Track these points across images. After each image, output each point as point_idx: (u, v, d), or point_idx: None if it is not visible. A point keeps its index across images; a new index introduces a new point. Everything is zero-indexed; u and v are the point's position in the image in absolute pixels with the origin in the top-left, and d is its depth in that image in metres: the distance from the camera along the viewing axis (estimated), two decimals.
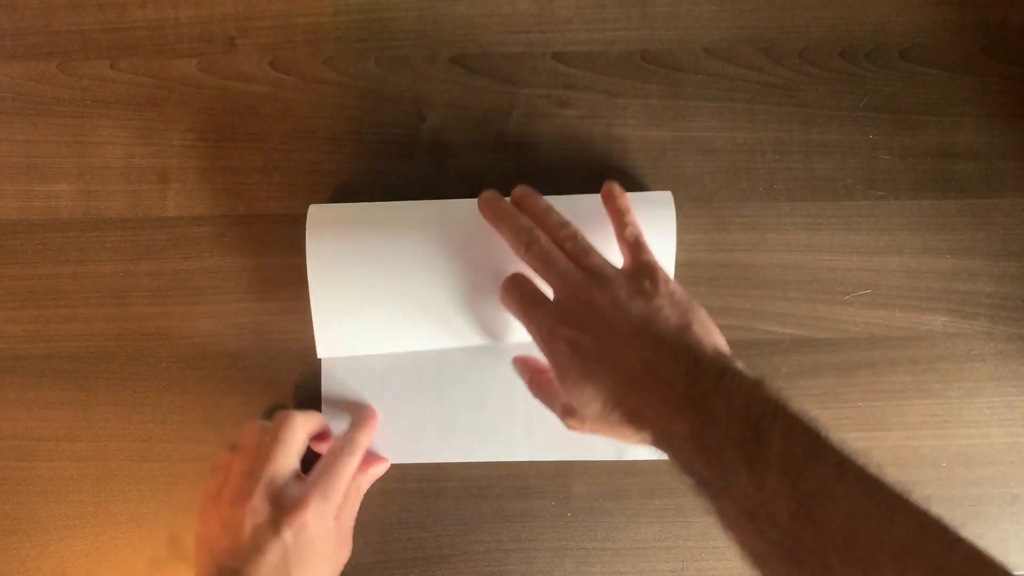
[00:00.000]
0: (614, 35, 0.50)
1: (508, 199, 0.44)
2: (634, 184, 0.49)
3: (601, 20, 0.50)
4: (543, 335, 0.40)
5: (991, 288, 0.49)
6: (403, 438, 0.48)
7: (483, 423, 0.48)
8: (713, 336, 0.38)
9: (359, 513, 0.47)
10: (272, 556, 0.39)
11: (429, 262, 0.45)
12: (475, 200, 0.45)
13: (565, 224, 0.42)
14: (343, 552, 0.45)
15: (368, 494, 0.48)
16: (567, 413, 0.41)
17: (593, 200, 0.45)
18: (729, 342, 0.43)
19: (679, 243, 0.48)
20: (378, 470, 0.47)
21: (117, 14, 0.49)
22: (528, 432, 0.48)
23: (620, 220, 0.44)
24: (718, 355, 0.36)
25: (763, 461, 0.31)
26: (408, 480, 0.48)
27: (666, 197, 0.47)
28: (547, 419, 0.44)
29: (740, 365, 0.36)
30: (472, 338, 0.46)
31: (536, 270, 0.42)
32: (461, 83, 0.49)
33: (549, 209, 0.43)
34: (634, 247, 0.42)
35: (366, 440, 0.45)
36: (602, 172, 0.49)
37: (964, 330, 0.49)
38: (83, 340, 0.48)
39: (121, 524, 0.48)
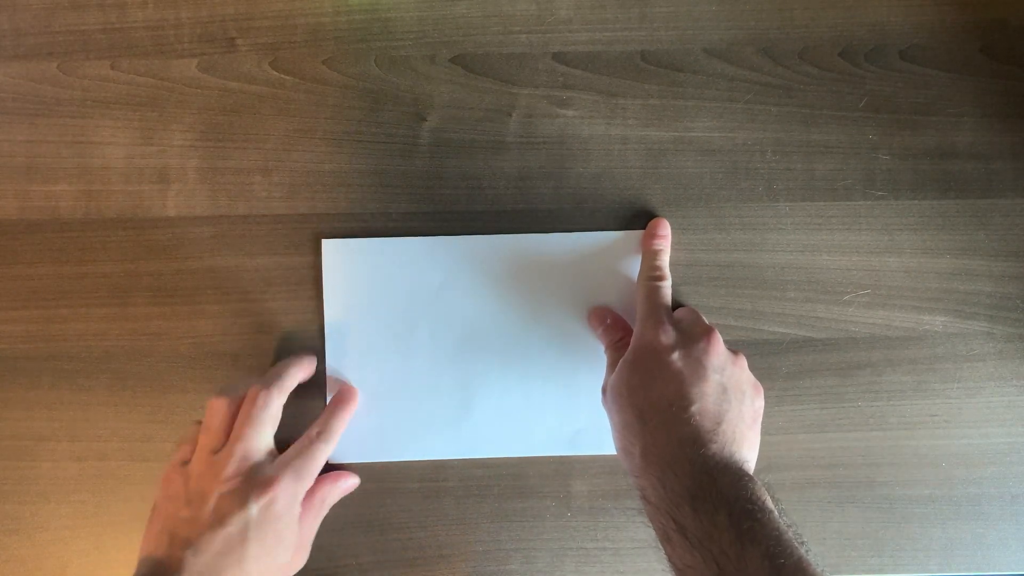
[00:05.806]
0: (614, 35, 0.50)
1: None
2: (634, 183, 0.49)
3: (601, 20, 0.50)
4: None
5: (991, 288, 0.49)
6: (397, 435, 0.48)
7: (475, 420, 0.48)
8: (746, 441, 0.40)
9: (360, 512, 0.47)
10: (233, 528, 0.38)
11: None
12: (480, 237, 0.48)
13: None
14: (299, 556, 0.43)
15: (368, 494, 0.48)
16: (604, 388, 0.44)
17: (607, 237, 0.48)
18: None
19: (680, 244, 0.48)
20: (348, 484, 0.47)
21: (117, 14, 0.49)
22: (524, 430, 0.48)
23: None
24: (741, 453, 0.39)
25: (750, 539, 0.33)
26: (408, 480, 0.48)
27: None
28: (541, 415, 0.46)
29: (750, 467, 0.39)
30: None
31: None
32: (461, 83, 0.49)
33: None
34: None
35: (341, 426, 0.45)
36: (602, 172, 0.49)
37: (964, 330, 0.49)
38: (83, 340, 0.48)
39: (121, 524, 0.48)
